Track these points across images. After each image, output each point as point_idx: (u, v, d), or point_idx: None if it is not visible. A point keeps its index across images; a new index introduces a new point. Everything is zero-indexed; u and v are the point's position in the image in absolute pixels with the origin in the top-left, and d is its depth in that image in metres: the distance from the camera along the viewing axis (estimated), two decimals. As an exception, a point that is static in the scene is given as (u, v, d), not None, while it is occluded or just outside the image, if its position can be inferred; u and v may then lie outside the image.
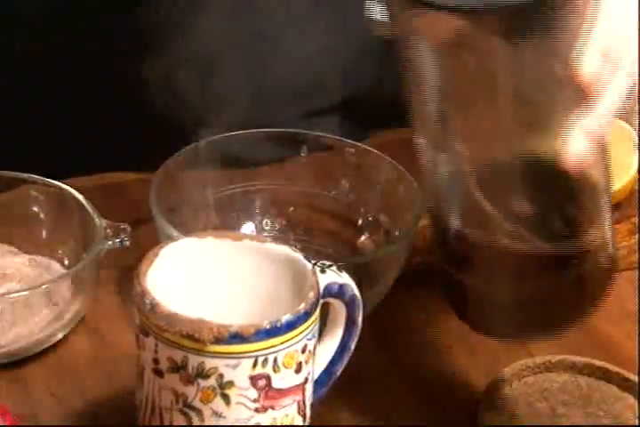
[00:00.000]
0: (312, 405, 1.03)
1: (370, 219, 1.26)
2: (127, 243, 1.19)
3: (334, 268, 1.01)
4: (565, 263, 1.06)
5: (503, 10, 0.90)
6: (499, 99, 1.04)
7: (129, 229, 1.19)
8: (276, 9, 1.54)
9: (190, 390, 0.94)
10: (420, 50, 1.02)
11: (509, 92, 1.03)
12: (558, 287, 1.07)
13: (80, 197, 1.22)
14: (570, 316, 1.08)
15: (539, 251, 1.05)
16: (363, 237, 1.26)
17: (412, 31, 1.01)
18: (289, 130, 1.29)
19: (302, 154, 1.29)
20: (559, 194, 1.06)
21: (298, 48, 1.61)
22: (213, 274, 1.02)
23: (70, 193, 1.23)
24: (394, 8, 1.01)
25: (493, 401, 1.12)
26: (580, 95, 0.99)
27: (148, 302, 0.94)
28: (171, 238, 1.05)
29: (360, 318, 1.04)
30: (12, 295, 1.16)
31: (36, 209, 1.26)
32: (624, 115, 1.27)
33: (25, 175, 1.26)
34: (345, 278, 1.01)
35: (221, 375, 0.93)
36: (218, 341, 0.91)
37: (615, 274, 1.10)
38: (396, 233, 1.22)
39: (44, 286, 1.18)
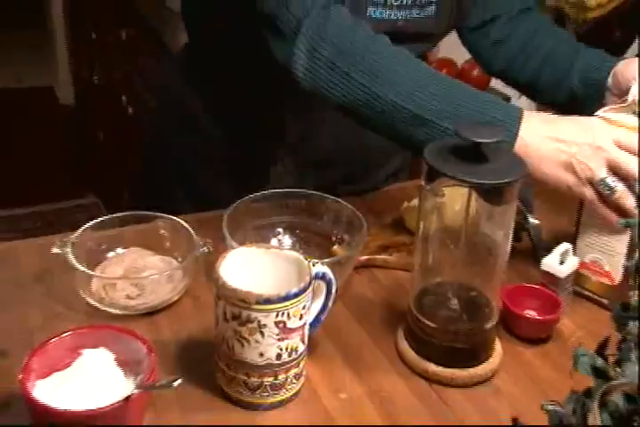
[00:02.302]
0: (309, 337, 1.03)
1: (339, 237, 1.27)
2: (211, 249, 1.20)
3: (320, 264, 1.02)
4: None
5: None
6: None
7: (212, 242, 1.20)
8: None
9: (243, 329, 0.95)
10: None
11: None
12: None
13: (187, 225, 1.23)
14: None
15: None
16: (335, 247, 1.26)
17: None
18: (295, 190, 1.29)
19: (302, 202, 1.29)
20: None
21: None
22: (255, 267, 1.03)
23: (181, 223, 1.24)
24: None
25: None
26: None
27: (220, 281, 0.95)
28: (233, 248, 1.06)
29: (334, 290, 1.05)
30: (151, 277, 1.17)
31: (163, 232, 1.27)
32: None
33: (157, 214, 1.27)
34: (326, 269, 1.02)
35: (259, 321, 0.94)
36: (257, 302, 0.93)
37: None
38: (353, 244, 1.22)
39: (167, 272, 1.19)
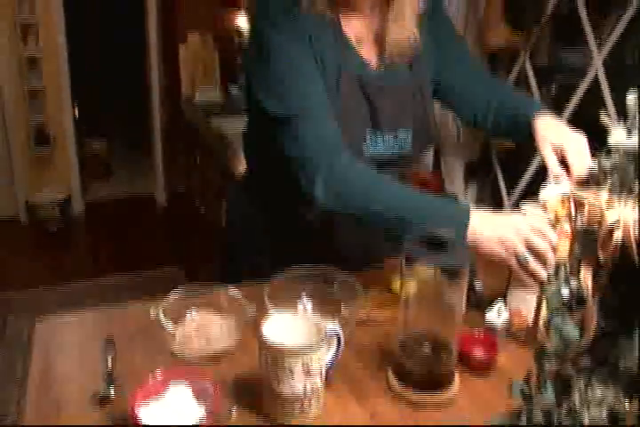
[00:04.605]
0: (325, 375, 1.01)
1: (345, 301, 1.24)
2: (256, 314, 1.17)
3: (332, 323, 1.01)
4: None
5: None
6: None
7: (257, 307, 1.18)
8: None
9: (279, 371, 0.95)
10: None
11: None
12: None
13: (240, 295, 1.22)
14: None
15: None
16: (342, 308, 1.23)
17: None
18: (316, 267, 1.27)
19: (321, 275, 1.27)
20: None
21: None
22: (287, 327, 1.01)
23: (236, 293, 1.22)
24: None
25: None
26: None
27: (263, 338, 0.95)
28: (272, 314, 1.04)
29: (342, 342, 1.04)
30: (215, 332, 1.16)
31: (223, 299, 1.24)
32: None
33: (219, 286, 1.25)
34: (336, 327, 1.02)
35: (290, 366, 0.94)
36: (289, 353, 0.92)
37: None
38: (355, 306, 1.20)
39: (226, 329, 1.17)
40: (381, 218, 1.19)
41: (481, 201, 2.69)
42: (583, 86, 2.18)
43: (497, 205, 2.59)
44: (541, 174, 1.42)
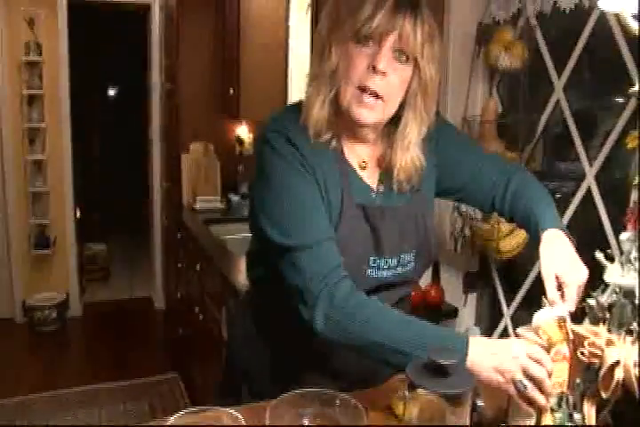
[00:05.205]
0: None
1: (346, 423, 1.22)
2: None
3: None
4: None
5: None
6: None
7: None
8: None
9: None
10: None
11: None
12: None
13: (241, 418, 1.18)
14: None
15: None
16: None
17: None
18: (316, 389, 1.23)
19: (321, 397, 1.24)
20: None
21: None
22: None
23: (235, 414, 1.20)
24: None
25: None
26: None
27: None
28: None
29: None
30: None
31: (225, 421, 1.22)
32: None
33: (219, 408, 1.19)
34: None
35: None
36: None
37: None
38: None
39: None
40: (381, 349, 1.21)
41: (480, 312, 2.70)
42: (576, 200, 2.23)
43: (496, 315, 2.60)
44: (540, 285, 1.43)
